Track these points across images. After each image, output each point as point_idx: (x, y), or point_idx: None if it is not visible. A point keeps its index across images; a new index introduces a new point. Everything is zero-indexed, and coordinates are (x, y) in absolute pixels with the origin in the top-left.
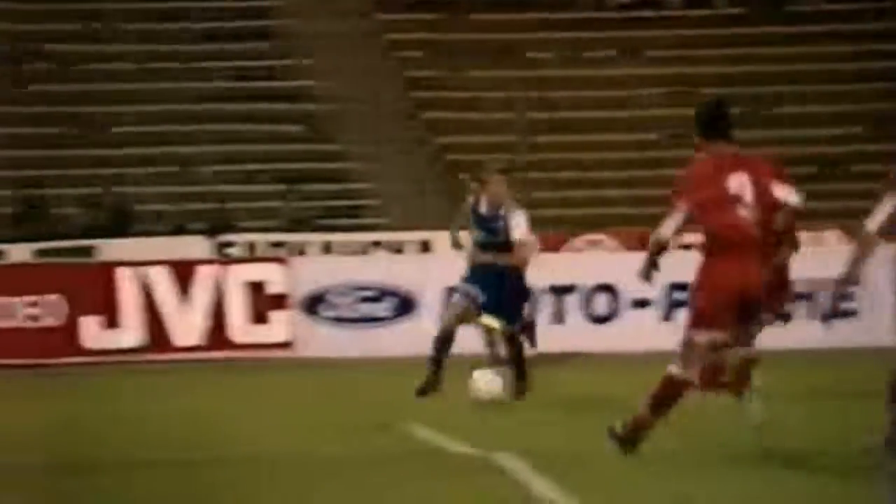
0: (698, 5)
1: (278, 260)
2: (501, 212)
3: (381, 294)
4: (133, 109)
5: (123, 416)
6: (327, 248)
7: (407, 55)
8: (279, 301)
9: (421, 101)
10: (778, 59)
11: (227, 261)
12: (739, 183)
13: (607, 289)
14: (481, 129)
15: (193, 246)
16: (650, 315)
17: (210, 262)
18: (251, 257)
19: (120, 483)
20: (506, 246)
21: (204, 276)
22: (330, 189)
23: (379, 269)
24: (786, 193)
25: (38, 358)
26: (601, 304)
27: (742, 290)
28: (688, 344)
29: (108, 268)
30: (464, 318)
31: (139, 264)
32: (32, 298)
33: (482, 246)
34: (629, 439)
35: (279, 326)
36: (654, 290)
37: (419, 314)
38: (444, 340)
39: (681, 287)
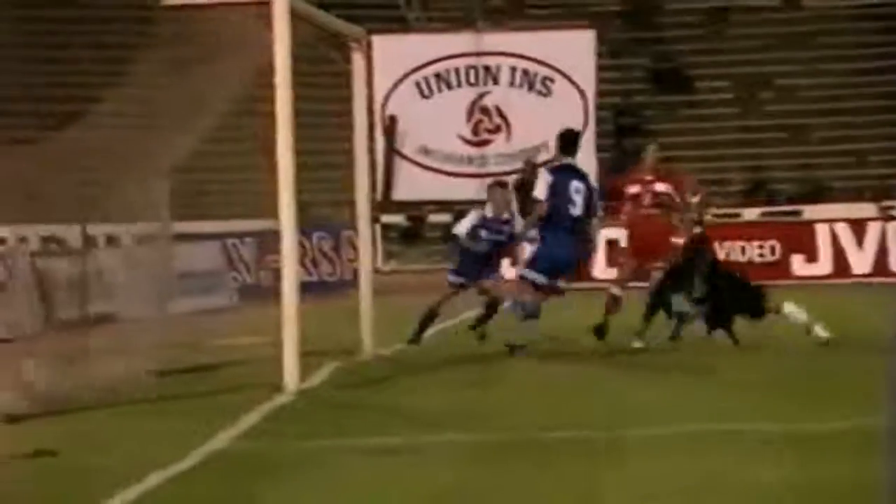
0: None
1: None
2: None
3: None
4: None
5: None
6: None
7: None
8: None
9: None
10: None
11: (888, 217)
12: None
13: None
14: None
15: (866, 209)
16: None
17: (875, 219)
18: None
19: None
20: None
21: (872, 229)
22: None
23: None
24: None
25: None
26: None
27: None
28: None
29: (811, 224)
30: None
31: (829, 221)
32: (757, 243)
33: None
34: None
35: None
36: None
37: None
38: None
39: None
